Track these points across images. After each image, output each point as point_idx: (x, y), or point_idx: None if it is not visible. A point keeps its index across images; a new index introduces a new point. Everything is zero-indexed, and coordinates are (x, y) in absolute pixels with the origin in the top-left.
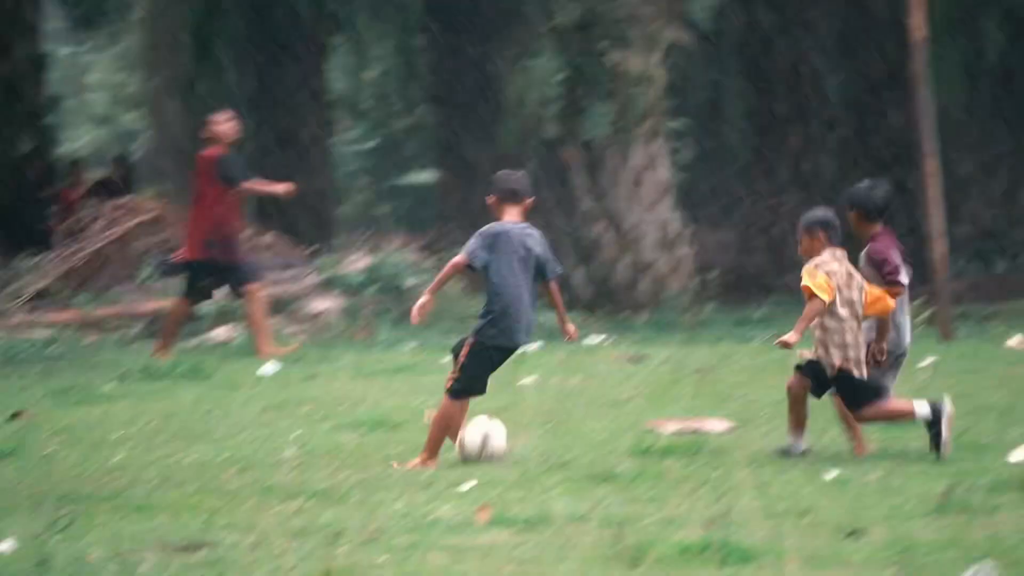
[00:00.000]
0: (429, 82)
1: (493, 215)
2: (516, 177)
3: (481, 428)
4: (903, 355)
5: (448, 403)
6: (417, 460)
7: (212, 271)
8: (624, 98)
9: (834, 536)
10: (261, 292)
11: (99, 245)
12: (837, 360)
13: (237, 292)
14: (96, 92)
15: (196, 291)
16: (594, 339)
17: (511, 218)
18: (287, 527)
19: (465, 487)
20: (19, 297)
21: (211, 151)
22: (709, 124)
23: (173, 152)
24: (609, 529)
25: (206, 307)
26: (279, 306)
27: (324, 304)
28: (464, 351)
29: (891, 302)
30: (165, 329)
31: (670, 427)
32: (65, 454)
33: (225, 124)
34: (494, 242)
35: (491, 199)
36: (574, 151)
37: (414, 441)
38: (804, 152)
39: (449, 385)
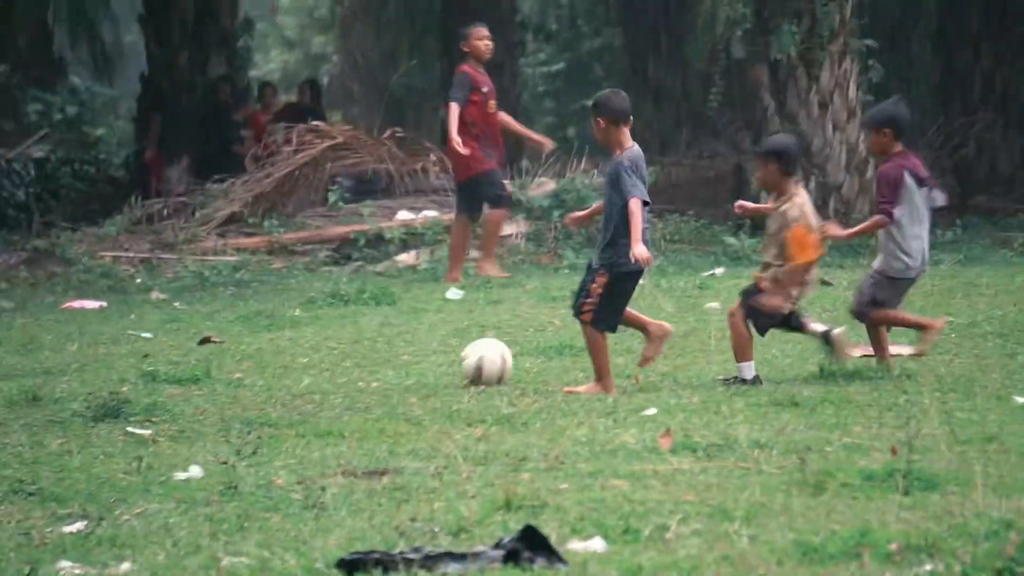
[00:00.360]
0: (617, 3)
1: (601, 138)
2: (624, 96)
3: (478, 351)
4: (914, 278)
5: (592, 332)
6: (591, 386)
7: (491, 182)
8: (813, 17)
9: (1022, 462)
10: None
11: (288, 169)
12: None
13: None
14: (287, 15)
15: (476, 208)
16: None
17: (627, 140)
18: (470, 453)
19: (647, 413)
20: (209, 222)
21: (463, 65)
22: (898, 43)
23: (362, 75)
24: (792, 456)
25: (392, 231)
26: None
27: (509, 228)
28: (598, 285)
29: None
30: (486, 248)
31: (855, 352)
32: (252, 380)
33: (480, 41)
34: (640, 170)
35: (602, 122)
36: (762, 71)
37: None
38: (996, 71)
39: (589, 318)
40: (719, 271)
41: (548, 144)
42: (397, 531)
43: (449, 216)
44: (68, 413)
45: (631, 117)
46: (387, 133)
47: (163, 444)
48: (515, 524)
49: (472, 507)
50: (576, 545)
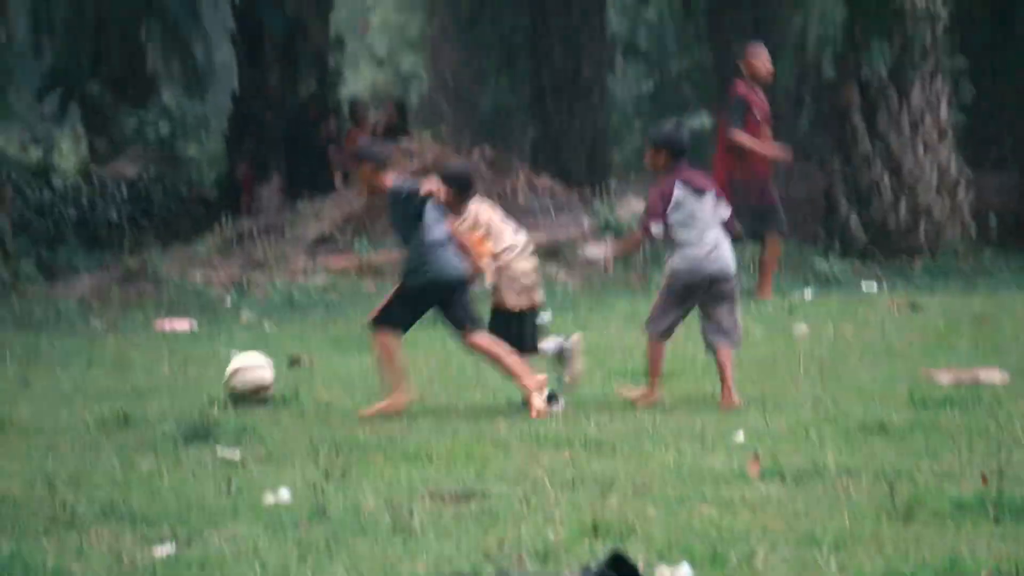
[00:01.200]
0: (706, 22)
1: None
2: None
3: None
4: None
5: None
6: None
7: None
8: (905, 36)
9: None
10: (778, 241)
11: None
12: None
13: (756, 235)
14: (378, 34)
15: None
16: (869, 286)
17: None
18: (557, 477)
19: (736, 438)
20: (300, 242)
21: (738, 86)
22: (991, 63)
23: (451, 94)
24: (882, 483)
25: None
26: (552, 251)
27: (598, 250)
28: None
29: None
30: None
31: (946, 377)
32: (341, 402)
33: (760, 60)
34: None
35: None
36: (852, 91)
37: (687, 390)
38: None
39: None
40: (808, 294)
41: (781, 154)
42: (484, 555)
43: (538, 237)
44: (159, 435)
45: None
46: (476, 152)
47: (252, 466)
48: (602, 549)
49: (559, 531)
50: (663, 571)
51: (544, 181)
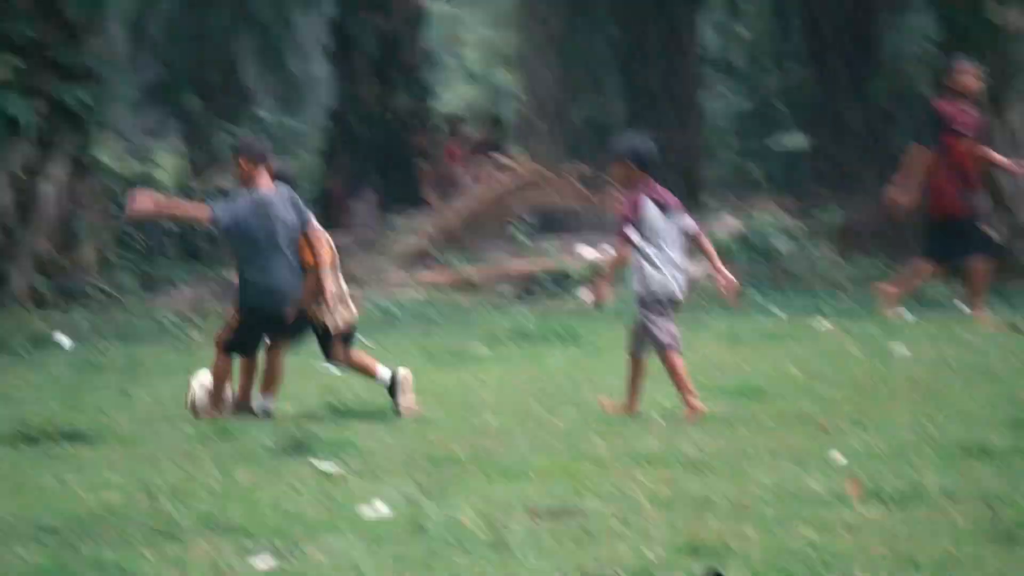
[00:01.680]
0: (803, 40)
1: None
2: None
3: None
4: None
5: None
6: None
7: (962, 230)
8: (1002, 54)
9: None
10: (984, 265)
11: (475, 205)
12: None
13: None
14: (471, 49)
15: (944, 256)
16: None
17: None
18: (655, 496)
19: (835, 460)
20: (396, 256)
21: (943, 102)
22: None
23: (545, 111)
24: (983, 506)
25: (576, 267)
26: None
27: (586, 294)
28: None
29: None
30: (899, 283)
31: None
32: (438, 416)
33: (969, 76)
34: None
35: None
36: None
37: (784, 409)
38: None
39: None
40: (907, 314)
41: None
42: (581, 572)
43: None
44: (257, 447)
45: None
46: (570, 169)
47: (350, 480)
48: (699, 568)
49: (656, 550)
50: None
51: None
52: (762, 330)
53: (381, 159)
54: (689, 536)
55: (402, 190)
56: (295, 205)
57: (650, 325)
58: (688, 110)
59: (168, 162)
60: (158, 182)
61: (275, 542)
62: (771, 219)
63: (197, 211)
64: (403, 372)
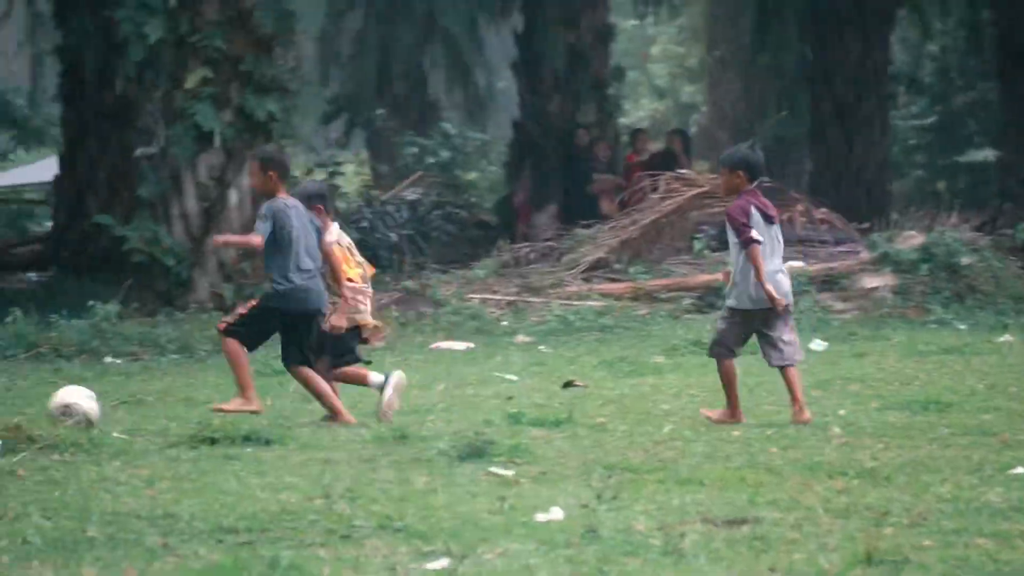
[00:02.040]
0: (995, 57)
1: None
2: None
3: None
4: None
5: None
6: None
7: None
8: None
9: None
10: None
11: (655, 217)
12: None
13: None
14: (657, 64)
15: None
16: None
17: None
18: (831, 506)
19: (1015, 471)
20: (575, 267)
21: None
22: None
23: (730, 125)
24: None
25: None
26: (830, 282)
27: (876, 281)
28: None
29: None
30: None
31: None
32: (614, 424)
33: None
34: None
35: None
36: None
37: (965, 422)
38: None
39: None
40: None
41: None
42: None
43: (818, 266)
44: (434, 452)
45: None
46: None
47: (525, 485)
48: None
49: (832, 560)
50: None
51: (822, 212)
52: (945, 344)
53: (564, 172)
54: (866, 546)
55: (582, 202)
56: (311, 220)
57: (722, 324)
58: (875, 126)
59: (352, 173)
60: (342, 193)
61: (450, 545)
62: (956, 234)
63: (251, 239)
64: (398, 373)
